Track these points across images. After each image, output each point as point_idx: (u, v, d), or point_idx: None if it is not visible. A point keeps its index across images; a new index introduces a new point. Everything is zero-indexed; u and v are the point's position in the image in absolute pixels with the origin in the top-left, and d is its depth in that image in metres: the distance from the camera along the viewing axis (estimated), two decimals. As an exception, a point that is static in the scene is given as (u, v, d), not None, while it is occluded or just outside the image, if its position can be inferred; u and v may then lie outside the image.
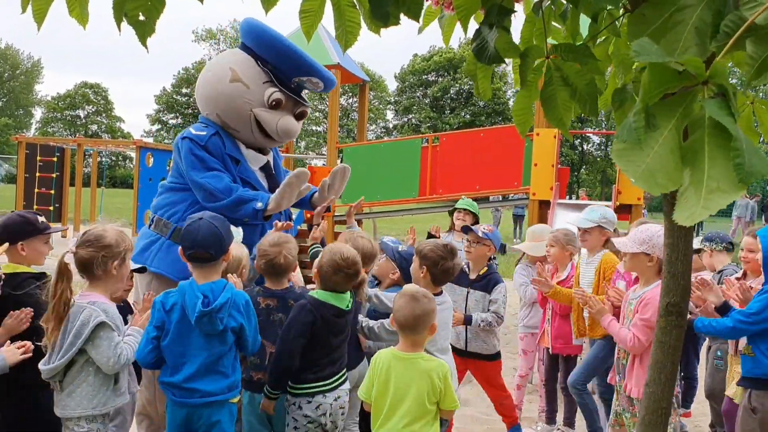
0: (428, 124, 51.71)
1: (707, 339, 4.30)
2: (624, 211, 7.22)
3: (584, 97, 1.57)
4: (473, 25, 1.67)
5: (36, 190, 15.17)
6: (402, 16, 1.61)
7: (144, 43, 1.56)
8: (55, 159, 15.48)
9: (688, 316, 1.86)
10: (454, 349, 3.73)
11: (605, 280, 3.91)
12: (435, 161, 8.35)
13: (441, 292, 3.21)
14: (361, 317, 3.21)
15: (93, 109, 64.19)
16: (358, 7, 1.63)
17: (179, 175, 3.52)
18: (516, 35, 1.72)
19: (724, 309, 3.24)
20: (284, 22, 4.34)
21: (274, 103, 3.57)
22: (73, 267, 2.54)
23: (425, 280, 3.15)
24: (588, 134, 47.59)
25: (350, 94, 47.98)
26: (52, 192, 15.39)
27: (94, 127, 63.72)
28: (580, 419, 4.19)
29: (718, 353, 3.99)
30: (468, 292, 4.00)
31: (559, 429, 4.40)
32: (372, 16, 1.58)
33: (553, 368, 4.43)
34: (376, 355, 2.66)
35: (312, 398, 2.82)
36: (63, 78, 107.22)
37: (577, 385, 3.96)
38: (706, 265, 4.59)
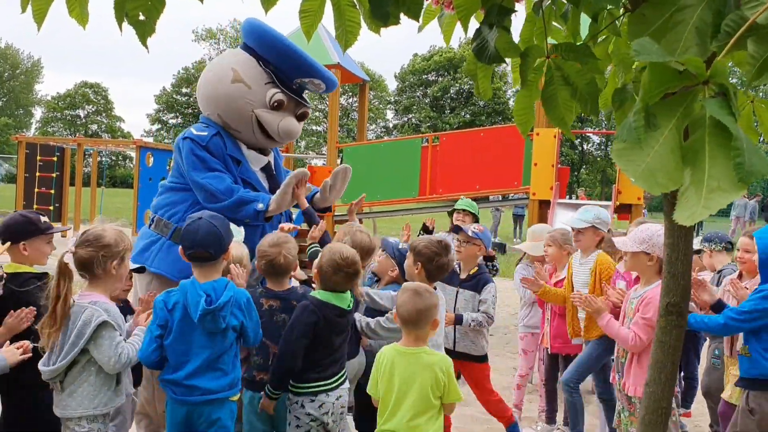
0: (428, 124, 51.68)
1: (708, 339, 4.30)
2: (624, 210, 7.23)
3: (585, 97, 1.57)
4: (473, 25, 1.67)
5: (36, 189, 15.20)
6: (402, 15, 1.61)
7: (144, 43, 1.56)
8: (55, 159, 15.51)
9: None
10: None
11: (604, 280, 3.90)
12: (435, 161, 8.36)
13: (435, 288, 3.22)
14: (357, 315, 3.21)
15: (93, 109, 64.14)
16: (358, 6, 1.63)
17: (180, 175, 3.51)
18: (516, 35, 1.72)
19: (717, 307, 3.25)
20: (284, 21, 4.33)
21: (276, 104, 3.56)
22: (72, 267, 2.54)
23: (420, 276, 3.16)
24: (588, 134, 47.58)
25: (350, 93, 47.94)
26: (52, 192, 15.41)
27: (94, 127, 63.68)
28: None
29: (716, 352, 3.98)
30: (458, 292, 3.99)
31: (559, 429, 4.40)
32: (372, 15, 1.58)
33: (553, 368, 4.43)
34: (380, 351, 2.68)
35: (315, 397, 2.83)
36: (63, 78, 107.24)
37: (569, 383, 3.96)
38: (706, 266, 4.60)
